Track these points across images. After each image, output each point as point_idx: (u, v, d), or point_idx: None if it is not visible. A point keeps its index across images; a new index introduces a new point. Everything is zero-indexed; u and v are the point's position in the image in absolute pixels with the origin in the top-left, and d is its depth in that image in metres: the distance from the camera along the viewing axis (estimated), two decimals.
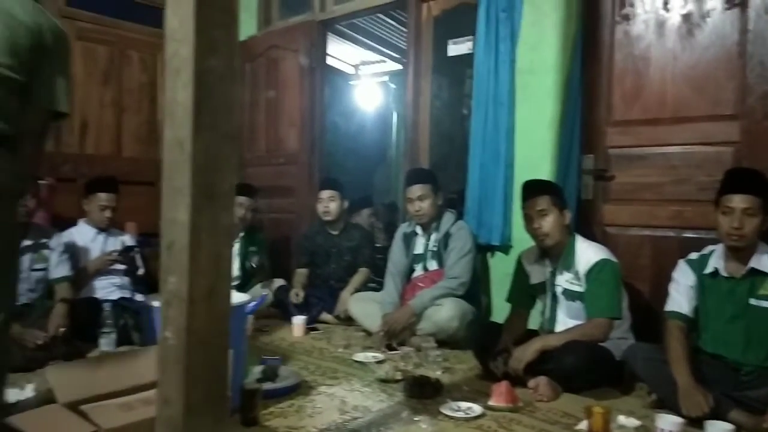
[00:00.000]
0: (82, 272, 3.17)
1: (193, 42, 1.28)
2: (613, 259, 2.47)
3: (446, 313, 2.96)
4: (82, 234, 3.32)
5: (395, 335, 3.02)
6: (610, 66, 3.05)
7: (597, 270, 2.43)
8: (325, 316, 3.65)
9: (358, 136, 7.16)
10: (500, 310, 3.13)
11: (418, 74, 3.85)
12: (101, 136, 4.54)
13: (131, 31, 4.65)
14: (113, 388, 1.52)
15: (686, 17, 2.81)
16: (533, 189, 2.57)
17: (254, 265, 3.90)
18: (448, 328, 2.96)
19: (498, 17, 3.22)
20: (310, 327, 3.44)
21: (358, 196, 4.80)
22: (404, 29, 5.32)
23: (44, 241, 2.97)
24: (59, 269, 2.99)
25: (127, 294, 3.28)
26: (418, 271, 3.27)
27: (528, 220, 2.56)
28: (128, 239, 3.51)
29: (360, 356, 2.80)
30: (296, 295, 3.61)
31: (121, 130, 4.66)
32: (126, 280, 3.36)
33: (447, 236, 3.18)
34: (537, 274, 2.66)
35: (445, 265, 3.16)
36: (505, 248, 3.27)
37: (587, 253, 2.49)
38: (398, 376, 2.47)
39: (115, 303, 2.99)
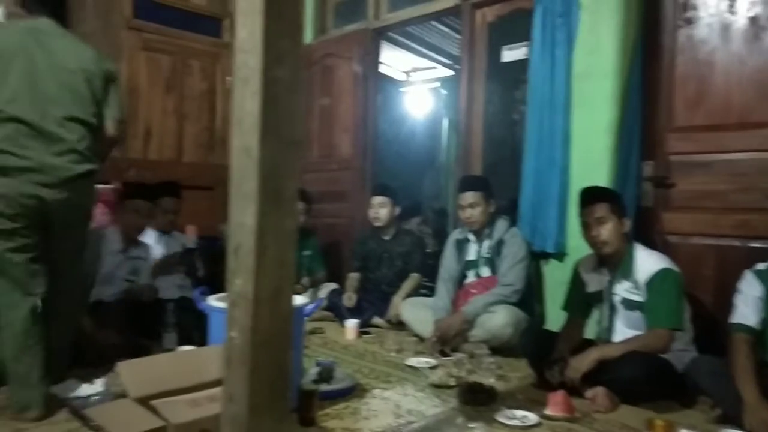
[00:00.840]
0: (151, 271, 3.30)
1: (261, 52, 1.33)
2: (675, 268, 2.41)
3: (500, 320, 2.95)
4: (147, 236, 3.45)
5: (447, 341, 3.02)
6: (671, 71, 2.97)
7: (658, 279, 2.37)
8: (377, 320, 3.69)
9: (408, 141, 7.20)
10: (554, 319, 3.09)
11: (471, 80, 3.85)
12: (164, 142, 4.72)
13: (192, 42, 4.82)
14: (180, 385, 1.58)
15: (753, 20, 2.72)
16: (592, 196, 2.53)
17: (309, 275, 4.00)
18: (501, 335, 2.94)
19: (554, 23, 3.20)
20: (362, 330, 3.48)
21: (407, 202, 4.83)
22: (456, 35, 5.35)
23: (142, 256, 3.18)
24: (147, 277, 3.18)
25: (187, 294, 3.39)
26: (471, 277, 3.26)
27: (586, 227, 2.52)
28: (189, 242, 3.63)
29: (413, 361, 2.81)
30: (349, 298, 3.66)
31: (182, 136, 4.83)
32: (187, 280, 3.50)
33: (500, 243, 3.16)
34: (594, 282, 2.62)
35: (498, 272, 3.14)
36: (560, 256, 3.23)
37: (648, 262, 2.43)
38: (452, 382, 2.47)
39: (177, 302, 3.10)
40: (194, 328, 3.02)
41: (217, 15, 4.95)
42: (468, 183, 3.29)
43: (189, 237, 3.71)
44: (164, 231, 3.51)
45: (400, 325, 3.54)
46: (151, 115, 4.63)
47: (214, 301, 2.00)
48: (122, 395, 1.94)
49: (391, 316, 3.61)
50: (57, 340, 2.19)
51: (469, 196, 3.18)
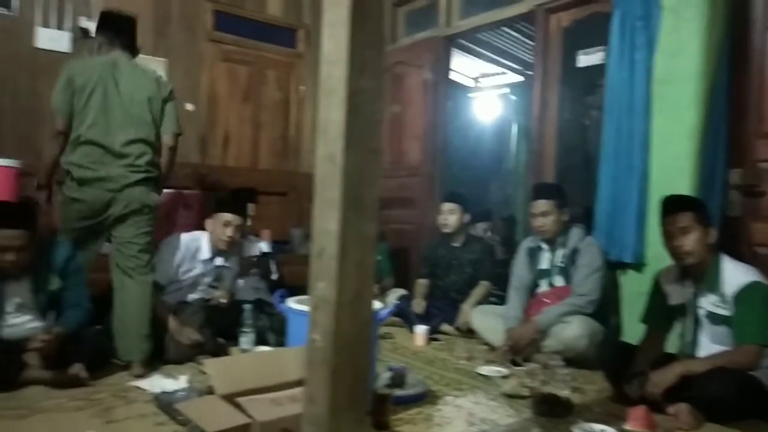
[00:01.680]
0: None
1: (346, 63, 1.38)
2: (766, 281, 2.28)
3: (575, 331, 2.88)
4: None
5: (519, 351, 2.97)
6: (761, 74, 2.83)
7: (747, 293, 2.25)
8: (446, 327, 3.68)
9: (475, 148, 7.14)
10: (631, 331, 2.99)
11: (545, 86, 3.79)
12: (241, 149, 4.90)
13: (269, 52, 4.99)
14: (262, 384, 1.64)
15: None
16: (675, 204, 2.43)
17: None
18: (576, 346, 2.87)
19: (634, 26, 3.11)
20: (431, 337, 3.48)
21: (476, 209, 4.79)
22: (528, 41, 5.28)
23: (228, 266, 3.28)
24: (226, 284, 3.28)
25: (263, 296, 3.51)
26: (543, 286, 3.20)
27: (668, 237, 2.43)
28: (264, 246, 3.76)
29: (484, 369, 2.79)
30: (418, 305, 3.67)
31: (258, 143, 5.00)
32: (262, 283, 3.61)
33: (575, 252, 3.09)
34: (676, 294, 2.51)
35: (572, 281, 3.07)
36: (638, 266, 3.12)
37: (735, 274, 2.32)
38: (525, 392, 2.43)
39: (253, 304, 3.20)
40: (269, 330, 3.12)
41: (292, 26, 5.11)
42: (540, 191, 3.23)
43: (264, 241, 3.85)
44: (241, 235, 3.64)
45: (469, 332, 3.52)
46: (230, 124, 4.82)
47: (293, 304, 2.06)
48: (205, 391, 2.03)
49: (461, 323, 3.59)
50: (133, 315, 2.61)
51: (542, 205, 3.13)
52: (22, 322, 2.44)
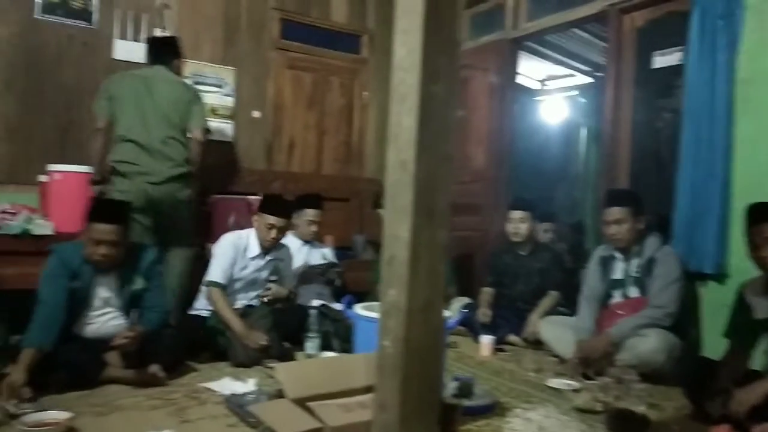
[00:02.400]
0: (297, 279, 3.49)
1: (419, 70, 1.36)
2: None
3: (651, 344, 2.75)
4: (289, 245, 3.63)
5: (590, 363, 2.86)
6: None
7: None
8: (512, 337, 3.59)
9: (541, 152, 6.97)
10: (712, 346, 2.83)
11: (618, 88, 3.66)
12: (305, 155, 4.97)
13: (333, 58, 5.05)
14: (331, 389, 1.64)
15: None
16: (762, 212, 2.28)
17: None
18: (652, 361, 2.74)
19: (715, 25, 2.95)
20: (497, 347, 3.41)
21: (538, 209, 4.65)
22: (598, 41, 5.12)
23: (281, 257, 3.33)
24: (287, 283, 3.35)
25: (326, 302, 3.54)
26: (617, 297, 3.07)
27: (754, 247, 2.28)
28: (327, 252, 3.79)
29: (554, 382, 2.71)
30: (484, 314, 3.59)
31: (322, 150, 5.06)
32: (326, 289, 3.65)
33: (651, 262, 2.95)
34: (763, 308, 2.35)
35: (648, 293, 2.94)
36: (720, 277, 2.96)
37: None
38: (598, 407, 2.34)
39: (318, 310, 3.23)
40: (334, 335, 3.14)
41: (356, 32, 5.15)
42: (614, 197, 3.11)
43: (328, 247, 3.88)
44: (306, 241, 3.69)
45: (536, 344, 3.42)
46: (295, 130, 4.89)
47: (361, 310, 2.06)
48: (273, 395, 2.06)
49: (528, 334, 3.50)
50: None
51: (616, 212, 3.01)
52: (105, 320, 2.56)
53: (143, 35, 4.08)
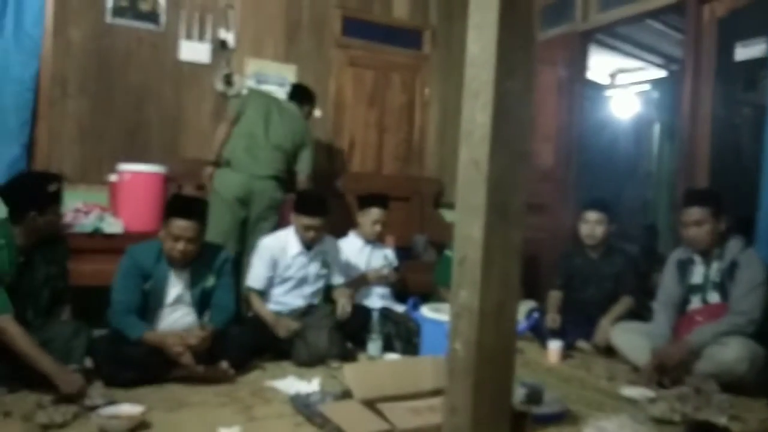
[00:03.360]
0: (359, 281, 3.48)
1: (494, 66, 1.31)
2: None
3: (733, 353, 2.58)
4: (351, 244, 3.61)
5: (666, 372, 2.72)
6: None
7: None
8: (581, 343, 3.45)
9: (609, 150, 6.70)
10: None
11: (697, 82, 3.46)
12: (365, 154, 4.94)
13: (394, 55, 5.00)
14: (399, 392, 1.62)
15: None
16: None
17: None
18: (734, 370, 2.57)
19: None
20: (566, 354, 3.28)
21: None
22: (674, 33, 4.88)
23: (327, 249, 3.30)
24: (338, 276, 3.32)
25: (388, 304, 3.51)
26: (695, 303, 2.90)
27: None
28: (389, 253, 3.75)
29: (628, 391, 2.58)
30: (553, 320, 3.45)
31: (382, 148, 5.01)
32: (387, 290, 3.62)
33: (733, 266, 2.77)
34: None
35: (730, 298, 2.76)
36: None
37: None
38: (676, 417, 2.21)
39: (380, 312, 3.21)
40: (396, 337, 3.10)
41: (418, 27, 5.09)
42: (694, 197, 2.93)
43: (389, 248, 3.84)
44: (369, 241, 3.67)
45: (607, 351, 3.28)
46: (355, 129, 4.88)
47: (428, 312, 2.02)
48: (338, 395, 2.05)
49: (599, 340, 3.35)
50: None
51: (695, 213, 2.83)
52: (177, 317, 2.63)
53: (208, 36, 4.19)
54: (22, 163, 3.63)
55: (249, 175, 3.49)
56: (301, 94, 3.90)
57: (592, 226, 3.52)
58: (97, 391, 2.13)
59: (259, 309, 3.04)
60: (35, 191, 2.37)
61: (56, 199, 2.44)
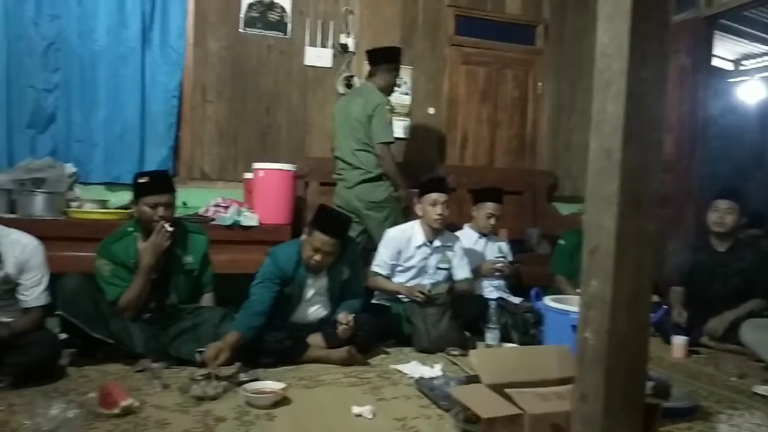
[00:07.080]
0: (474, 272, 3.52)
1: (627, 55, 1.33)
2: None
3: None
4: (466, 237, 3.67)
5: None
6: None
7: None
8: (706, 340, 3.29)
9: (734, 139, 6.24)
10: None
11: None
12: (478, 149, 4.98)
13: (507, 51, 5.00)
14: (525, 378, 1.67)
15: None
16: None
17: None
18: None
19: None
20: (691, 350, 3.16)
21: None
22: None
23: (449, 244, 3.39)
24: (461, 271, 3.38)
25: (503, 294, 3.55)
26: None
27: None
28: (504, 246, 3.77)
29: (762, 389, 2.45)
30: (679, 315, 3.32)
31: (494, 143, 5.03)
32: (502, 283, 3.66)
33: None
34: None
35: None
36: None
37: None
38: None
39: (497, 302, 3.24)
40: (512, 328, 3.13)
41: (531, 22, 5.05)
42: None
43: (503, 241, 3.86)
44: (482, 234, 3.71)
45: (720, 340, 3.14)
46: (468, 124, 4.93)
47: (551, 302, 2.05)
48: (461, 380, 2.13)
49: (711, 327, 3.21)
50: None
51: None
52: (314, 309, 2.85)
53: (330, 41, 4.41)
54: (168, 163, 4.05)
55: (343, 188, 3.68)
56: (373, 63, 3.76)
57: (722, 213, 3.34)
58: (242, 369, 2.36)
59: (388, 285, 3.23)
60: (133, 184, 2.65)
61: (145, 190, 2.58)
